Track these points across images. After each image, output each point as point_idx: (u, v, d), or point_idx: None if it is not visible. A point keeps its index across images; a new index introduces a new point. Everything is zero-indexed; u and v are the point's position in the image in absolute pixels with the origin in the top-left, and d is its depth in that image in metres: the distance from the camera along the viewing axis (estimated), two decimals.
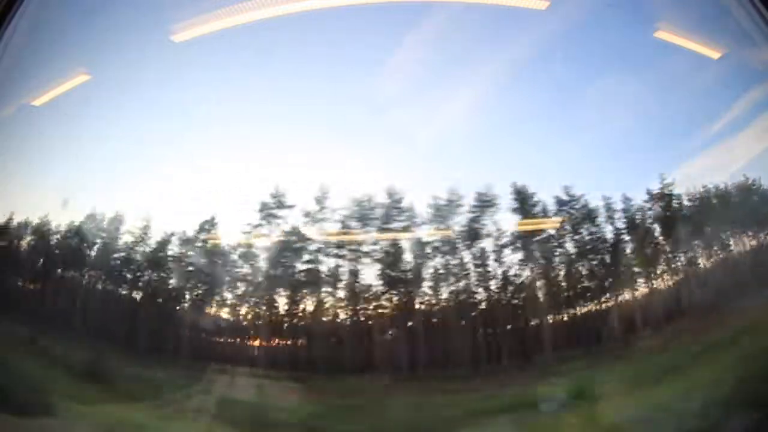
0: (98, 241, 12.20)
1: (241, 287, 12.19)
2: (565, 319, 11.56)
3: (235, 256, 12.35)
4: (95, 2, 8.98)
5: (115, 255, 12.24)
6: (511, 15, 9.70)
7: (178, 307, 12.10)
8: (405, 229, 12.30)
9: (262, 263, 12.38)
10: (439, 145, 11.72)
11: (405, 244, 12.44)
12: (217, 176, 12.52)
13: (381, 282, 12.23)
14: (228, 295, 12.15)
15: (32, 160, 10.74)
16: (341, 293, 12.23)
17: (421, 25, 10.39)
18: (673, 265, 11.16)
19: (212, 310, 12.03)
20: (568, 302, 11.69)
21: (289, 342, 12.09)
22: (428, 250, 12.36)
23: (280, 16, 8.18)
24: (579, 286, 11.95)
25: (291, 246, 12.30)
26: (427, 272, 12.24)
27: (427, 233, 12.32)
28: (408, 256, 12.44)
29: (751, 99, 8.21)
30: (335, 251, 12.27)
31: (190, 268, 12.20)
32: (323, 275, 12.11)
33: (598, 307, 11.22)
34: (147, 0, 9.25)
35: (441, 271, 12.19)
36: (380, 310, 12.18)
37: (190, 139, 11.55)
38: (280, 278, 12.25)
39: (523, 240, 12.20)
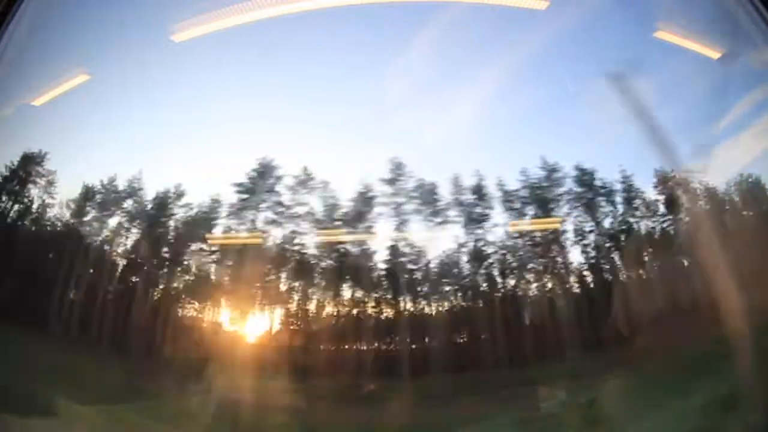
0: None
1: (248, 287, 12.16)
2: (565, 321, 11.53)
3: (242, 256, 12.33)
4: (95, 2, 8.98)
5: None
6: (511, 15, 9.73)
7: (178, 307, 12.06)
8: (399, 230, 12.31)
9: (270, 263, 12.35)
10: (442, 143, 11.76)
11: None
12: (219, 176, 12.59)
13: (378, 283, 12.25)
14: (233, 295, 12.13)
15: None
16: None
17: (420, 26, 10.41)
18: (671, 266, 11.16)
19: (216, 310, 12.01)
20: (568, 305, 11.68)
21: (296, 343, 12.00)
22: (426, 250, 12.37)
23: (282, 15, 8.17)
24: (579, 288, 11.95)
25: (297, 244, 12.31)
26: (428, 273, 12.24)
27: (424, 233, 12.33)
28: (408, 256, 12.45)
29: (751, 100, 8.21)
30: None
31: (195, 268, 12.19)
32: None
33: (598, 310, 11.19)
34: (147, 0, 9.25)
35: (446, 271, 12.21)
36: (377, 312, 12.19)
37: (193, 139, 11.58)
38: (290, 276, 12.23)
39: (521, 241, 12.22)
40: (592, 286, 11.91)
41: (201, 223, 12.39)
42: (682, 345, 8.08)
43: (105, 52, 9.36)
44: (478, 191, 12.05)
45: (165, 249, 12.34)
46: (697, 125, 10.29)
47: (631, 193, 11.85)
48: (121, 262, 12.40)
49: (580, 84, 10.92)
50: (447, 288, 12.22)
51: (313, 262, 12.22)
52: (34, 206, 12.38)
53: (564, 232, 12.17)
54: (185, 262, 12.17)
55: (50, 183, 12.54)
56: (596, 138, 11.41)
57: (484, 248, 12.18)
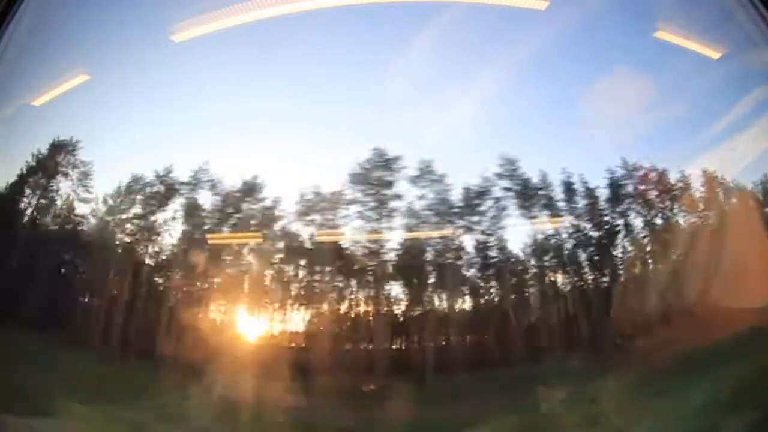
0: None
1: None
2: (565, 322, 11.51)
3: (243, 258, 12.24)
4: (95, 2, 8.99)
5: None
6: (511, 15, 9.71)
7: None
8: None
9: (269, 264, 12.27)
10: (442, 143, 11.75)
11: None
12: (221, 176, 12.56)
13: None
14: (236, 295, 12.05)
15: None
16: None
17: (420, 26, 10.38)
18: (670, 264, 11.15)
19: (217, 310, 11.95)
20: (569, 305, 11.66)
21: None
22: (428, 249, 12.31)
23: (282, 15, 8.18)
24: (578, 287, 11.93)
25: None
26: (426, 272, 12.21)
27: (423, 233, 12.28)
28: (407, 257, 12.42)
29: (752, 100, 8.21)
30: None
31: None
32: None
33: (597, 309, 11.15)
34: (147, 0, 9.26)
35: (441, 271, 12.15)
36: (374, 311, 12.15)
37: (192, 140, 11.56)
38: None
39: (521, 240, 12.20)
40: (596, 285, 11.90)
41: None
42: (684, 345, 8.09)
43: (105, 52, 9.36)
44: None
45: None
46: (697, 125, 10.29)
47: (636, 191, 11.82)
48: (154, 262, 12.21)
49: (581, 84, 10.91)
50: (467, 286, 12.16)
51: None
52: (62, 201, 12.03)
53: (563, 232, 12.15)
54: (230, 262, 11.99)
55: (85, 175, 12.10)
56: (596, 138, 11.39)
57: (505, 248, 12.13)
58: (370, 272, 11.99)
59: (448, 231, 11.97)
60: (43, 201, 12.01)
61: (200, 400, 7.62)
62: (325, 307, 11.99)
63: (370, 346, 11.46)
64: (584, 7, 9.52)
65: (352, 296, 12.09)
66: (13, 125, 8.26)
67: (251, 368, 9.20)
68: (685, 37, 7.74)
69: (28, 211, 11.75)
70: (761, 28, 3.52)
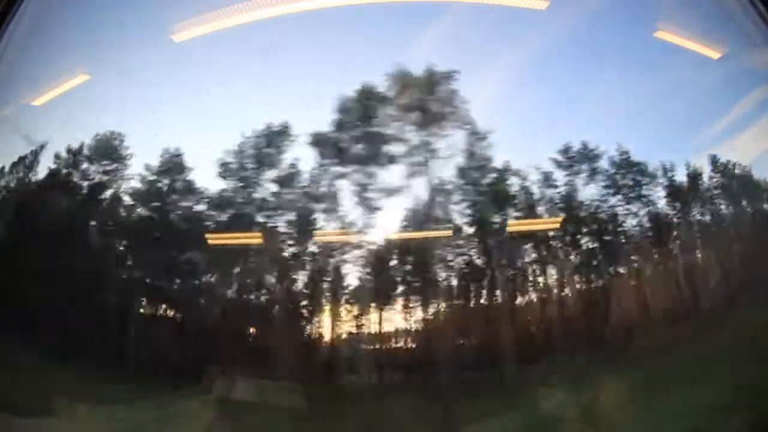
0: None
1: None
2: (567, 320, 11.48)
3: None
4: (95, 2, 9.00)
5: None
6: (511, 15, 9.71)
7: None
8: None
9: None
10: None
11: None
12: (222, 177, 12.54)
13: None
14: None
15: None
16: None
17: (420, 26, 10.39)
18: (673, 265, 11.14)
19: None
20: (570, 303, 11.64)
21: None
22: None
23: (283, 15, 8.19)
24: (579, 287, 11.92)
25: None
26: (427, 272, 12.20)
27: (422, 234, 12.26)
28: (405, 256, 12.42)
29: (752, 100, 8.22)
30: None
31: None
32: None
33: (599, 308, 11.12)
34: (147, 0, 9.27)
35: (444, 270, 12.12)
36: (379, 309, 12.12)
37: (192, 140, 11.55)
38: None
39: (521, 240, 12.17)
40: (595, 284, 11.89)
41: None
42: (684, 345, 8.09)
43: (105, 52, 9.36)
44: None
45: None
46: (697, 125, 10.30)
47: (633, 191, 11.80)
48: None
49: (581, 84, 10.91)
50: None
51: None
52: None
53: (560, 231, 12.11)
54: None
55: None
56: (595, 138, 11.41)
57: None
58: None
59: None
60: None
61: None
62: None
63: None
64: (584, 7, 9.53)
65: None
66: (13, 125, 8.27)
67: None
68: (685, 37, 7.75)
69: None
70: (761, 28, 3.53)
